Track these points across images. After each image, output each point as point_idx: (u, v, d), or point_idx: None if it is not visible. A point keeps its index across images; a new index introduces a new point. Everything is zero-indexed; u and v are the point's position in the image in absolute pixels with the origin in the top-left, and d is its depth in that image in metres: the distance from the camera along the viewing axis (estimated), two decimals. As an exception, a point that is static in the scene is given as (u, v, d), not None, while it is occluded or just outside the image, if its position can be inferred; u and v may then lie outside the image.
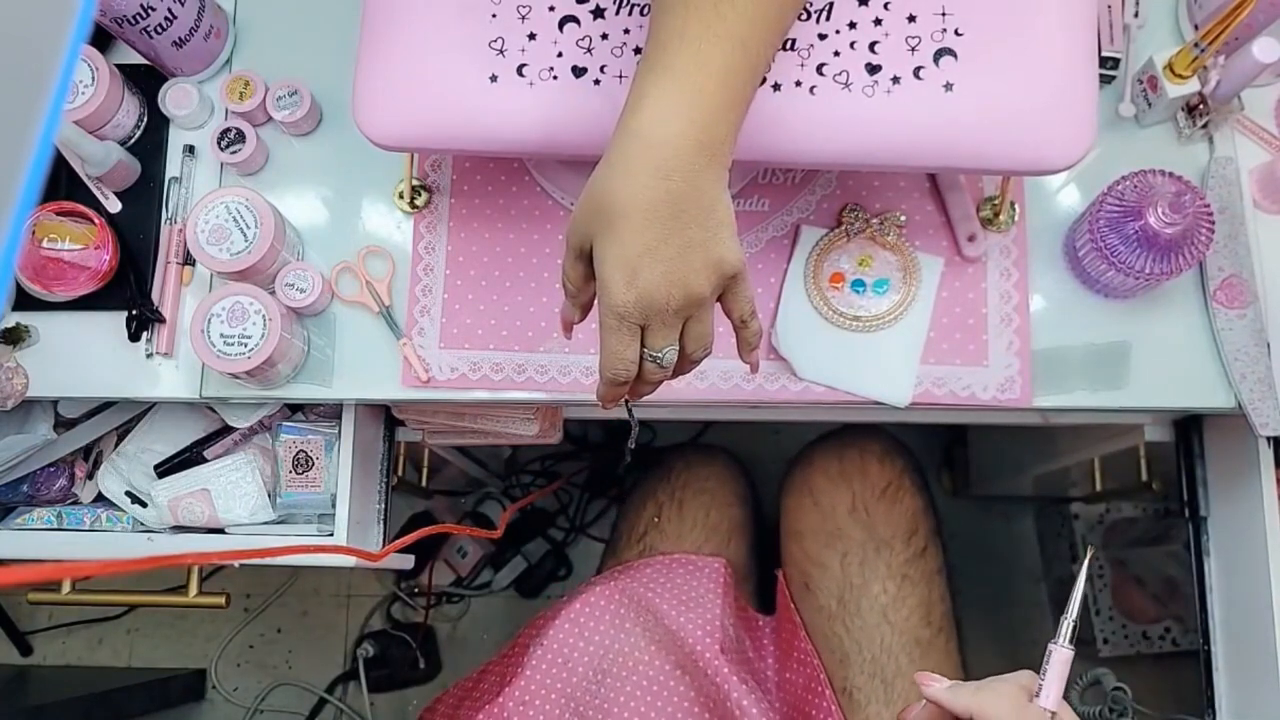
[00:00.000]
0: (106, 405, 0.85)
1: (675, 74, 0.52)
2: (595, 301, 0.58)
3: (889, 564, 0.91)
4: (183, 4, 0.74)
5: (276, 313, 0.72)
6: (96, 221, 0.75)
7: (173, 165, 0.80)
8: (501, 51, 0.63)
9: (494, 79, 0.63)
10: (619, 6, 0.63)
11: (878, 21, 0.62)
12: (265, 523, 0.82)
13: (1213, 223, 0.70)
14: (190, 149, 0.80)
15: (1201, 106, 0.76)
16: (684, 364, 0.59)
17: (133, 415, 0.85)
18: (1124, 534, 1.45)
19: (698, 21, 0.52)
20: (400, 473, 0.94)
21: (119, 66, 0.78)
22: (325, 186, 0.80)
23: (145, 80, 0.80)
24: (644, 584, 0.90)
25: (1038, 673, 0.60)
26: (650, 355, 0.57)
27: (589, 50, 0.63)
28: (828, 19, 0.63)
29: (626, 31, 0.63)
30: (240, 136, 0.77)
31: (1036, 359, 0.76)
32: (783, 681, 0.92)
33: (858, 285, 0.77)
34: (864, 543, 0.91)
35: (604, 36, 0.63)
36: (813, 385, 0.76)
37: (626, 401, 0.69)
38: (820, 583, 0.92)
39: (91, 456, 0.87)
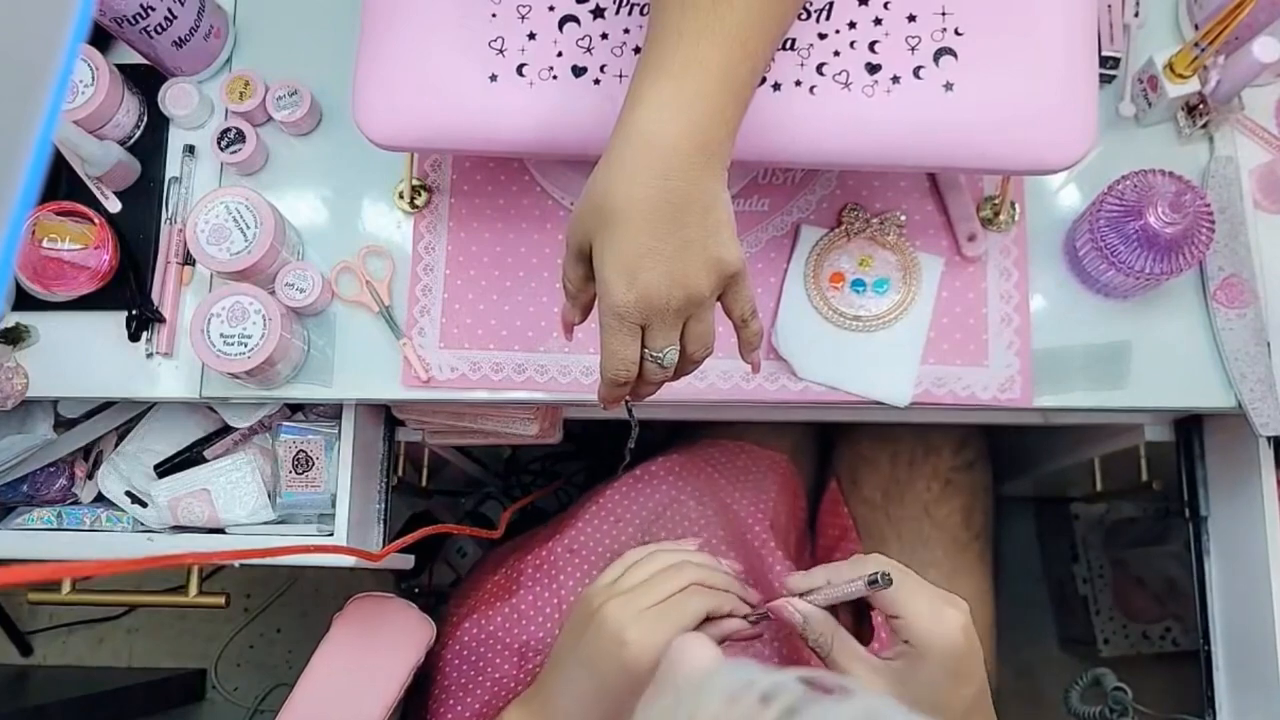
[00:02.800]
0: (106, 405, 0.85)
1: (673, 75, 0.52)
2: (596, 302, 0.58)
3: (935, 467, 0.96)
4: (183, 4, 0.74)
5: (276, 312, 0.72)
6: (96, 221, 0.75)
7: (173, 165, 0.80)
8: (501, 51, 0.63)
9: (494, 78, 0.63)
10: (619, 6, 0.63)
11: (878, 21, 0.62)
12: (265, 523, 0.82)
13: (1213, 222, 0.70)
14: (190, 149, 0.80)
15: (1202, 106, 0.76)
16: (685, 364, 0.59)
17: (133, 415, 0.85)
18: (1124, 534, 1.45)
19: (695, 22, 0.52)
20: (400, 473, 0.94)
21: (119, 66, 0.78)
22: (325, 186, 0.80)
23: (145, 80, 0.80)
24: (705, 460, 0.95)
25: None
26: (651, 355, 0.57)
27: (589, 50, 0.63)
28: (827, 18, 0.63)
29: (626, 31, 0.63)
30: (240, 136, 0.77)
31: (1036, 359, 0.76)
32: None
33: (858, 285, 0.77)
34: (914, 445, 0.97)
35: (604, 36, 0.63)
36: (813, 385, 0.76)
37: (627, 401, 0.69)
38: (868, 477, 0.98)
39: (91, 456, 0.87)
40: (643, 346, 0.57)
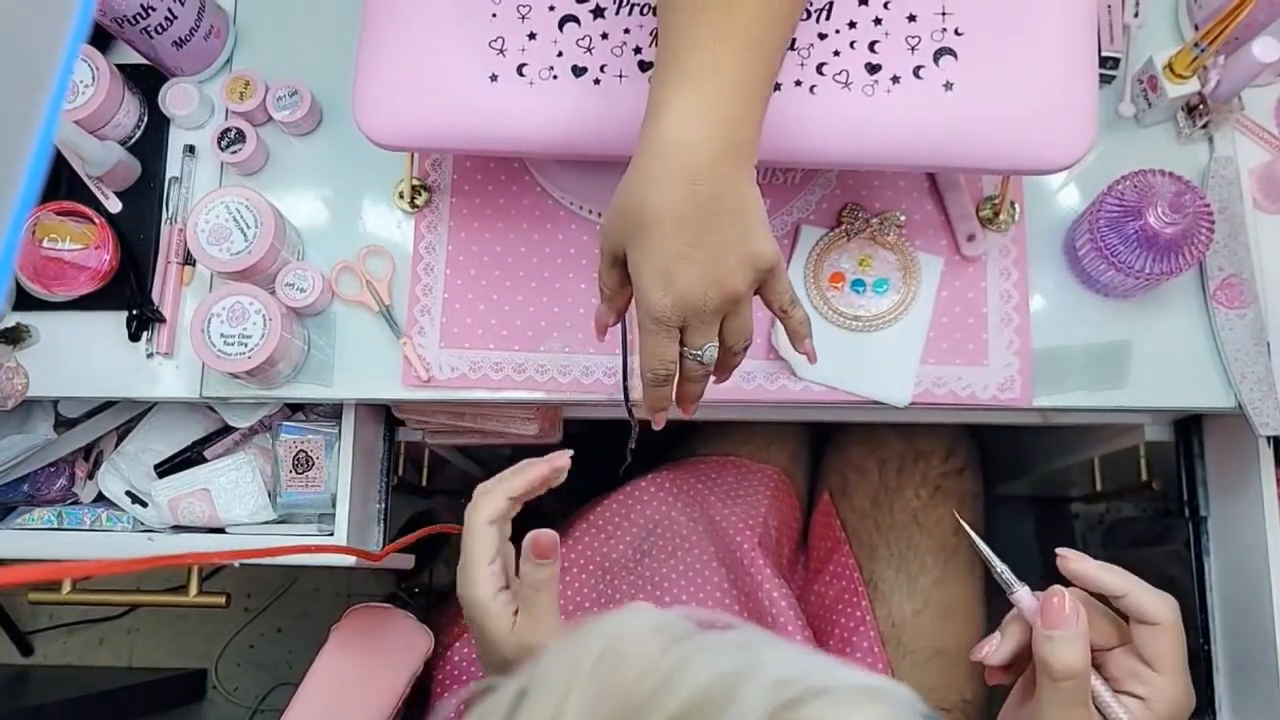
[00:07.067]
0: (107, 405, 0.85)
1: (690, 80, 0.52)
2: (631, 304, 0.59)
3: (925, 473, 0.96)
4: (183, 4, 0.74)
5: (276, 312, 0.72)
6: (97, 221, 0.75)
7: (173, 165, 0.80)
8: (501, 51, 0.63)
9: (494, 78, 0.63)
10: (619, 6, 0.63)
11: (878, 21, 0.62)
12: (265, 522, 0.82)
13: (1213, 222, 0.70)
14: (190, 149, 0.80)
15: (1201, 106, 0.76)
16: (727, 358, 0.60)
17: (133, 415, 0.85)
18: (1124, 534, 1.45)
19: (707, 26, 0.52)
20: (400, 473, 0.94)
21: (119, 66, 0.78)
22: (325, 186, 0.80)
23: (145, 80, 0.80)
24: (695, 476, 0.95)
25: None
26: (690, 354, 0.57)
27: (589, 50, 0.63)
28: (827, 18, 0.63)
29: (626, 31, 0.63)
30: (240, 136, 0.78)
31: (1036, 358, 0.76)
32: (808, 594, 0.94)
33: (858, 285, 0.77)
34: (903, 452, 0.97)
35: (604, 36, 0.63)
36: (812, 385, 0.76)
37: (627, 402, 0.69)
38: (857, 485, 0.97)
39: (92, 456, 0.87)
40: (682, 345, 0.57)
